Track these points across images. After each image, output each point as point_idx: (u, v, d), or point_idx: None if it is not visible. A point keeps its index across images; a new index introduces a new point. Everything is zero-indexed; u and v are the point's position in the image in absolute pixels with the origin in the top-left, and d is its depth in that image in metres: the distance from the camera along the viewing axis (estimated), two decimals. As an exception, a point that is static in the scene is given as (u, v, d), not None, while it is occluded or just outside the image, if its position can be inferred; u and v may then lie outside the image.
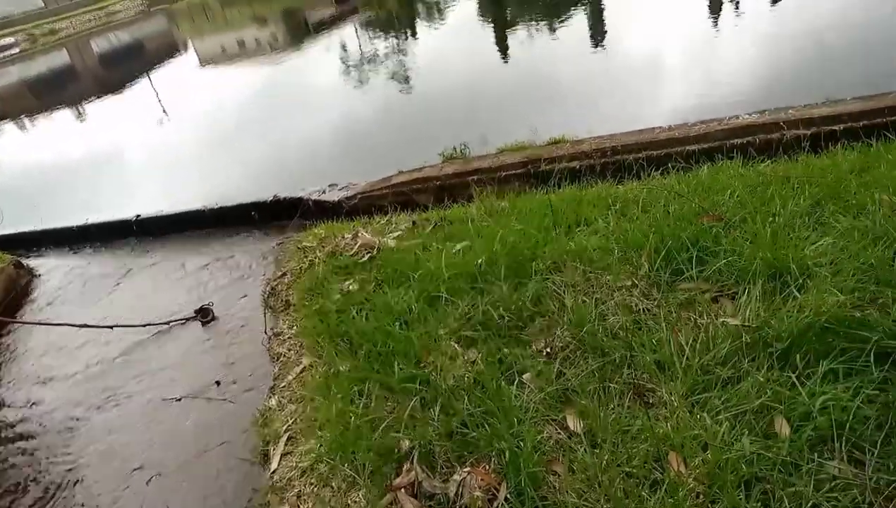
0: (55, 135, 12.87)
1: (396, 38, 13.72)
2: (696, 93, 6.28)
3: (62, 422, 3.34)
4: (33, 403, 3.58)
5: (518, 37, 10.85)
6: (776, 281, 2.35)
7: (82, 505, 2.77)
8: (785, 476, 1.70)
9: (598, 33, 9.77)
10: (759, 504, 1.65)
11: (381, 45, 13.16)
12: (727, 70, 6.77)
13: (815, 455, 1.73)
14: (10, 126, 15.32)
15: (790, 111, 3.87)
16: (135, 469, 2.87)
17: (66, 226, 5.84)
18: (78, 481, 2.92)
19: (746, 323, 2.18)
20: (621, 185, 3.58)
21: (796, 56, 6.65)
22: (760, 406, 1.89)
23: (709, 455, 1.79)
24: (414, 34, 13.87)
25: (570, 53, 9.13)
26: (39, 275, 5.30)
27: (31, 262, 5.53)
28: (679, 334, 2.24)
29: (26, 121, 15.29)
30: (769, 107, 4.02)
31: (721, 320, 2.25)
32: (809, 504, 1.61)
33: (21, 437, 3.32)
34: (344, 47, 13.81)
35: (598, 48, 9.03)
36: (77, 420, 3.32)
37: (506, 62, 9.61)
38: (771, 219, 2.69)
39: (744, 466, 1.73)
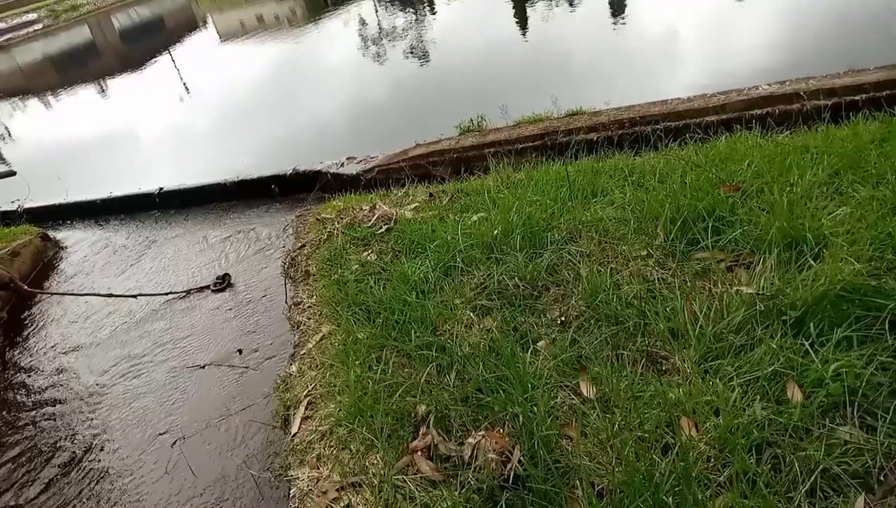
0: (78, 110, 13.01)
1: (415, 11, 13.61)
2: (717, 64, 6.19)
3: (89, 389, 3.44)
4: (61, 370, 3.68)
5: (537, 10, 10.72)
6: (792, 251, 2.34)
7: (110, 468, 2.86)
8: (796, 440, 1.72)
9: (617, 6, 9.61)
10: (770, 467, 1.68)
11: (400, 18, 13.07)
12: (748, 40, 6.66)
13: (827, 420, 1.74)
14: (34, 101, 15.50)
15: (811, 81, 3.81)
16: (160, 434, 2.95)
17: (91, 199, 5.94)
18: (105, 444, 3.01)
19: (761, 292, 2.18)
20: (639, 156, 3.57)
21: (819, 25, 6.51)
22: (773, 372, 1.90)
23: (720, 420, 1.81)
24: (432, 8, 13.75)
25: (589, 27, 9.02)
26: (66, 247, 5.41)
27: (58, 234, 5.65)
28: (693, 303, 2.25)
29: (50, 96, 15.46)
30: (790, 77, 3.96)
31: (735, 289, 2.26)
32: (820, 468, 1.63)
33: (50, 402, 3.43)
34: (362, 21, 13.73)
35: (618, 21, 8.90)
36: (103, 386, 3.42)
37: (524, 36, 9.51)
38: (788, 188, 2.68)
39: (755, 431, 1.75)
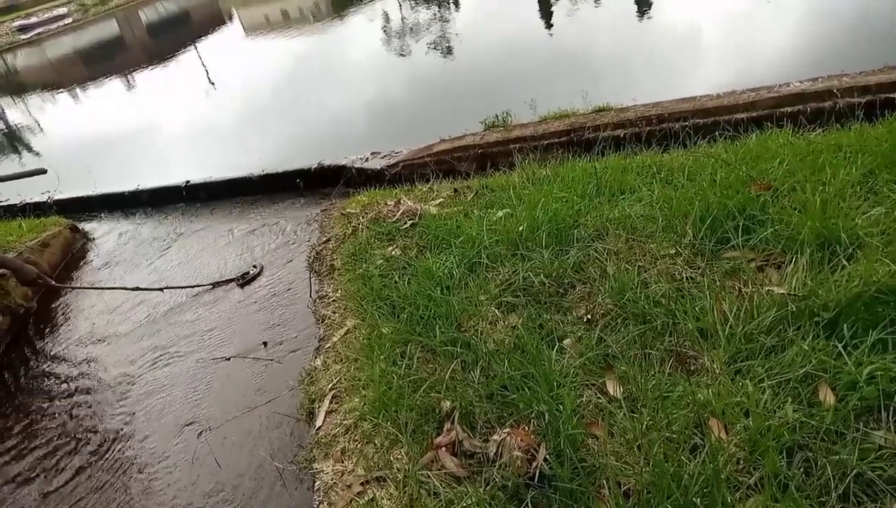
0: (107, 103, 13.19)
1: (439, 6, 13.58)
2: (746, 60, 6.10)
3: (117, 379, 3.49)
4: (90, 360, 3.74)
5: (562, 5, 10.64)
6: (825, 251, 2.30)
7: (137, 457, 2.90)
8: (828, 444, 1.68)
9: (644, 1, 9.50)
10: (801, 470, 1.65)
11: (424, 13, 13.05)
12: (779, 37, 6.55)
13: (861, 424, 1.70)
14: (64, 95, 15.75)
15: (844, 78, 3.73)
16: (186, 424, 2.99)
17: (119, 192, 6.01)
18: (132, 434, 3.05)
19: (793, 292, 2.15)
20: (667, 154, 3.53)
21: (853, 22, 6.38)
22: (805, 374, 1.87)
23: (750, 422, 1.78)
24: (457, 3, 13.71)
25: (614, 22, 8.93)
26: (94, 239, 5.50)
27: (86, 226, 5.74)
28: (723, 302, 2.22)
29: (79, 90, 15.69)
30: (823, 74, 3.88)
31: (766, 289, 2.22)
32: (853, 473, 1.59)
33: (79, 391, 3.48)
34: (386, 16, 13.73)
35: (644, 16, 8.81)
36: (131, 377, 3.47)
37: (549, 31, 9.45)
38: (821, 187, 2.63)
39: (786, 433, 1.72)
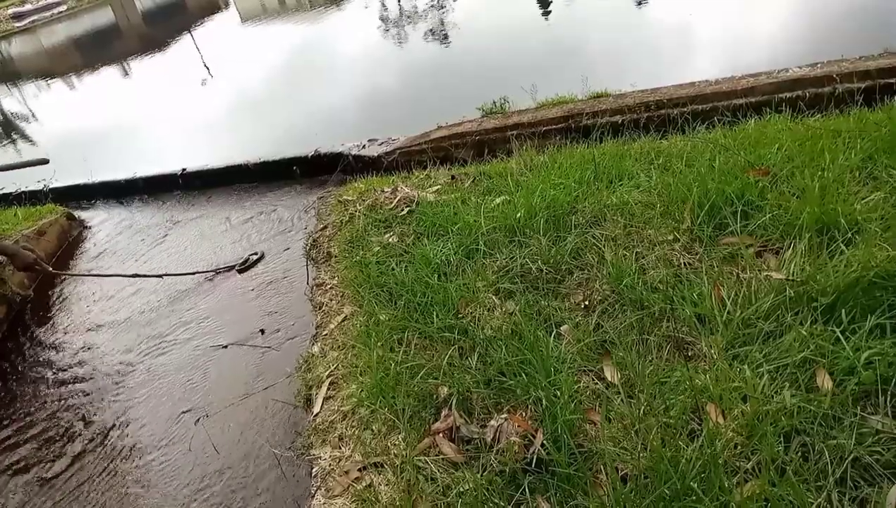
0: (102, 91, 13.10)
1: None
2: (745, 46, 6.06)
3: (114, 366, 3.48)
4: (87, 348, 3.73)
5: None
6: (823, 236, 2.29)
7: (134, 444, 2.90)
8: (826, 429, 1.68)
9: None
10: (799, 455, 1.65)
11: (421, 0, 12.95)
12: (779, 22, 6.50)
13: (858, 409, 1.70)
14: (59, 83, 15.65)
15: (844, 63, 3.71)
16: (183, 412, 2.98)
17: (115, 179, 5.98)
18: (130, 421, 3.05)
19: (791, 278, 2.14)
20: (665, 140, 3.51)
21: (853, 5, 6.34)
22: (803, 360, 1.87)
23: (748, 407, 1.78)
24: (454, -11, 13.60)
25: (613, 7, 8.86)
26: (90, 227, 5.47)
27: (82, 214, 5.71)
28: (721, 288, 2.22)
29: (74, 78, 15.60)
30: (821, 59, 3.86)
31: (765, 274, 2.22)
32: (851, 457, 1.59)
33: (77, 380, 3.48)
34: (383, 3, 13.64)
35: (643, 1, 8.74)
36: (128, 364, 3.46)
37: (546, 17, 9.39)
38: (819, 173, 2.62)
39: (784, 418, 1.72)
